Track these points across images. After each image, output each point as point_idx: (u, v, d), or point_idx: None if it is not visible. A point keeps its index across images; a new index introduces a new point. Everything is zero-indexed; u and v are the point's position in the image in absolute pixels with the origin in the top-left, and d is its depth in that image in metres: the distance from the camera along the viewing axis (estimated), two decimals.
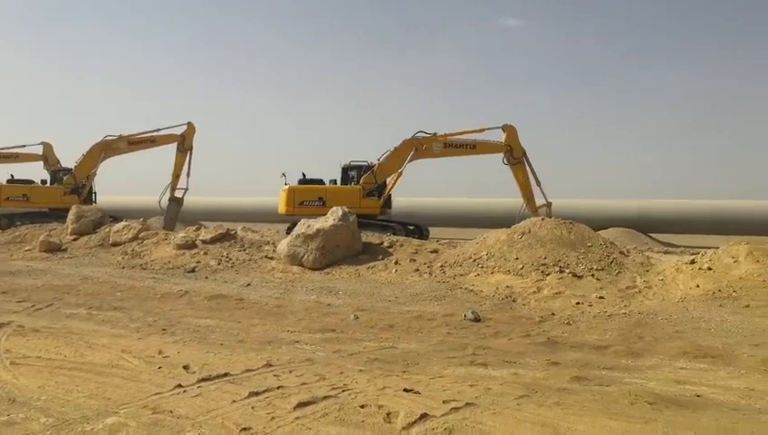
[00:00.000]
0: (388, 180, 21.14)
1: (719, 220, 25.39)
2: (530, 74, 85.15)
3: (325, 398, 5.11)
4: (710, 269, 10.44)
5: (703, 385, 5.87)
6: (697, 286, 10.03)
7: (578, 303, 9.73)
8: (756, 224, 24.13)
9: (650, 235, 25.75)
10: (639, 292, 10.33)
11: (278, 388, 5.35)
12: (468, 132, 20.84)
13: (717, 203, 27.16)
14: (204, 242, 15.29)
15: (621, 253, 12.47)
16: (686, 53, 76.27)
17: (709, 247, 11.96)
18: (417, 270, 12.42)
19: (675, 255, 15.40)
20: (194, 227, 17.17)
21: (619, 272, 11.32)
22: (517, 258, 11.98)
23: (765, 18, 70.85)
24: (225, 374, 5.69)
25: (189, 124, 24.77)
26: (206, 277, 12.70)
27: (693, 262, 11.04)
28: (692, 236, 25.67)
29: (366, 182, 20.80)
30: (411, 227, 20.94)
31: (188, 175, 24.68)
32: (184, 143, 24.66)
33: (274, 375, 5.81)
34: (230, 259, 14.10)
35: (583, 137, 75.70)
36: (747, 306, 8.98)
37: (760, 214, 25.41)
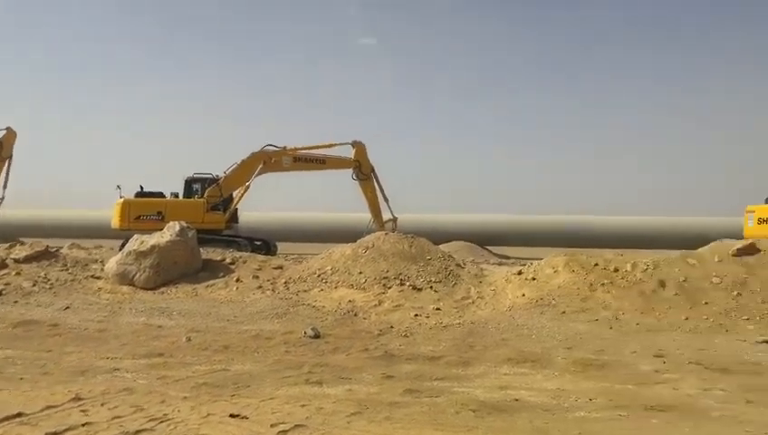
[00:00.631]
0: (235, 194, 20.43)
1: (550, 234, 28.05)
2: (381, 92, 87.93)
3: (138, 432, 4.63)
4: (534, 279, 11.33)
5: (522, 389, 6.25)
6: (523, 295, 10.82)
7: (416, 315, 10.02)
8: (579, 237, 26.96)
9: (487, 247, 27.60)
10: (473, 302, 10.91)
11: (83, 425, 4.75)
12: (318, 147, 20.88)
13: (550, 218, 30.05)
14: (17, 261, 13.52)
15: (458, 265, 13.12)
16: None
17: (538, 259, 12.96)
18: (260, 287, 12.04)
19: (507, 266, 16.57)
20: (6, 245, 15.16)
21: (455, 284, 11.89)
22: (361, 272, 12.10)
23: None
24: (18, 415, 4.94)
25: (9, 129, 22.08)
26: (16, 301, 11.21)
27: (520, 273, 11.92)
28: (530, 249, 27.82)
29: (210, 196, 19.91)
30: (258, 243, 20.40)
31: (5, 186, 21.97)
32: (1, 151, 21.95)
33: (82, 410, 5.17)
34: (48, 280, 12.61)
35: (435, 151, 79.57)
36: (563, 313, 9.84)
37: (585, 228, 28.49)
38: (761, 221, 17.81)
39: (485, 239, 28.15)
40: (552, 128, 77.89)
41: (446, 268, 12.54)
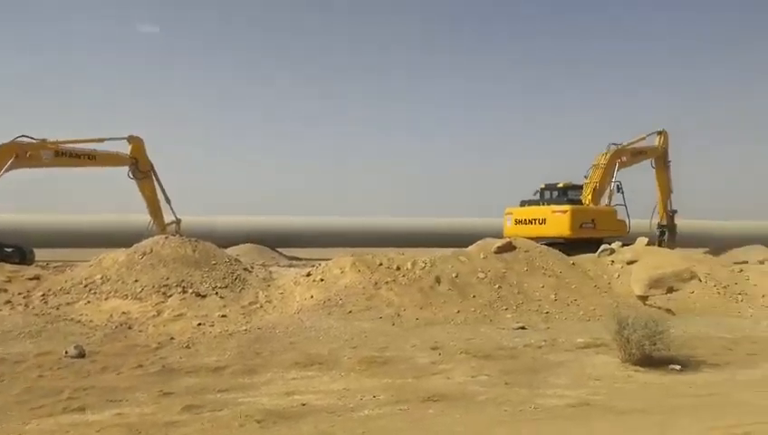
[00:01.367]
0: None
1: (337, 235, 28.76)
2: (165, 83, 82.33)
3: None
4: (322, 280, 11.44)
5: (309, 393, 6.19)
6: (312, 297, 10.85)
7: (200, 324, 9.42)
8: (365, 237, 28.11)
9: (278, 250, 27.39)
10: (261, 307, 10.63)
11: None
12: (87, 141, 18.62)
13: (340, 220, 30.79)
14: None
15: (246, 269, 12.72)
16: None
17: (328, 260, 13.02)
18: (9, 302, 10.28)
19: (297, 268, 16.55)
20: None
21: (242, 289, 11.48)
22: (137, 281, 11.04)
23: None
24: None
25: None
26: None
27: (309, 274, 11.95)
28: (321, 250, 28.04)
29: None
30: (9, 250, 17.48)
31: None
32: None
33: None
34: None
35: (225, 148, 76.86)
36: (350, 312, 10.08)
37: (370, 229, 29.73)
38: (517, 222, 20.41)
39: (277, 241, 27.90)
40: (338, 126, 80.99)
41: (232, 273, 12.05)
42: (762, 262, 18.52)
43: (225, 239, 23.03)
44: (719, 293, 11.70)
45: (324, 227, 29.95)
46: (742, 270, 13.35)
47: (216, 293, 10.98)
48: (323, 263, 12.52)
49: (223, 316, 9.88)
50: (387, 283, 11.13)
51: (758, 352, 8.26)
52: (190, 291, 10.76)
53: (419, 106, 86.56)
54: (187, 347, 8.22)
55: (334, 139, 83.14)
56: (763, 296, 11.70)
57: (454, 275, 11.46)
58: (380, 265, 11.71)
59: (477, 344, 8.41)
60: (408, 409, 5.68)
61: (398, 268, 11.62)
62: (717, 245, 27.55)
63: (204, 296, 10.74)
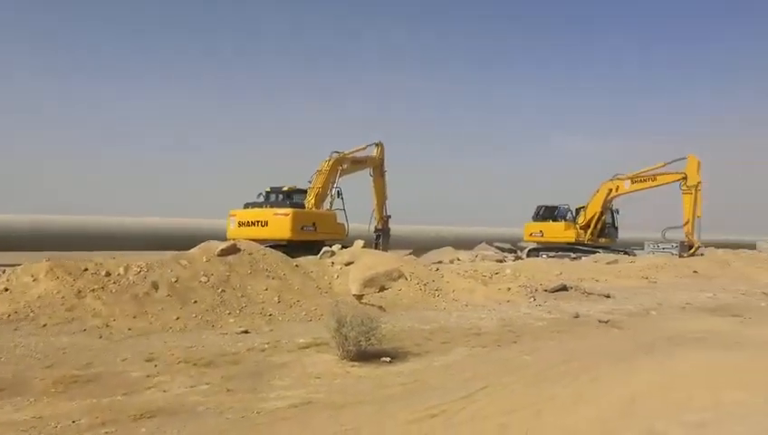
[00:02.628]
0: None
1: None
2: None
3: None
4: (7, 290, 9.58)
5: None
6: None
7: None
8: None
9: None
10: None
11: None
12: None
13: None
14: None
15: None
16: None
17: (16, 265, 10.93)
18: None
19: None
20: None
21: None
22: None
23: None
24: None
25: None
26: None
27: None
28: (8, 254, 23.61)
29: None
30: None
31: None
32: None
33: None
34: None
35: None
36: (44, 326, 8.63)
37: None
38: (241, 224, 20.18)
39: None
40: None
41: None
42: (452, 261, 21.63)
43: None
44: (421, 289, 13.22)
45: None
46: (438, 269, 15.36)
47: None
48: (9, 269, 10.52)
49: None
50: (93, 290, 9.84)
51: (450, 340, 9.49)
52: None
53: None
54: None
55: None
56: (454, 292, 13.61)
57: (173, 279, 10.71)
58: (86, 270, 10.31)
59: (198, 352, 7.95)
60: (115, 431, 5.02)
61: (108, 274, 10.38)
62: (419, 246, 31.35)
63: None
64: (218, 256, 11.95)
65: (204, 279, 11.01)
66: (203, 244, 12.70)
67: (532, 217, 30.70)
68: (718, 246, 32.90)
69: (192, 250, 12.35)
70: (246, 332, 9.33)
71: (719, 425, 5.65)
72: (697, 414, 5.93)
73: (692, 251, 26.60)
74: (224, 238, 15.52)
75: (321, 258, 14.40)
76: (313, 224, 20.31)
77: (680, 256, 25.95)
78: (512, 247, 33.26)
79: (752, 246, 32.46)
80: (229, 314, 10.24)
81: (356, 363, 7.60)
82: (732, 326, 11.77)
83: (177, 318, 9.64)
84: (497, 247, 32.49)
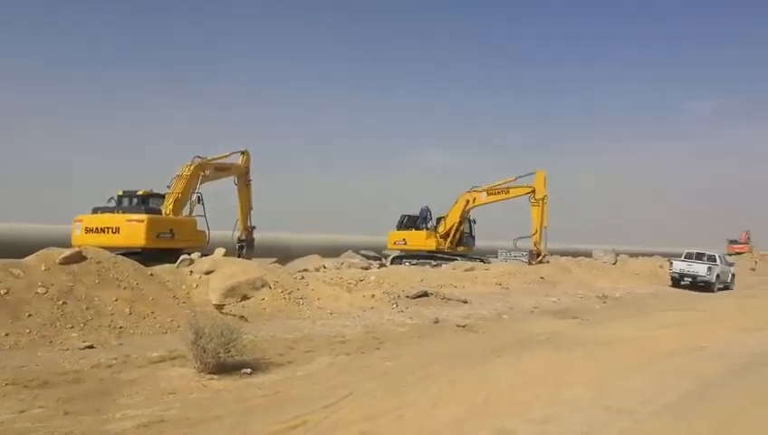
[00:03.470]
0: None
1: None
2: None
3: None
4: None
5: None
6: None
7: None
8: None
9: None
10: None
11: None
12: None
13: None
14: None
15: None
16: None
17: None
18: None
19: None
20: None
21: None
22: None
23: None
24: None
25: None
26: None
27: None
28: None
29: None
30: None
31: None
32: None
33: None
34: None
35: None
36: None
37: None
38: (88, 230, 18.52)
39: None
40: None
41: None
42: (317, 269, 21.54)
43: None
44: (285, 298, 12.98)
45: None
46: (303, 277, 15.20)
47: None
48: None
49: None
50: None
51: (313, 348, 9.40)
52: None
53: None
54: None
55: None
56: (319, 299, 13.53)
57: (3, 291, 9.51)
58: None
59: (31, 372, 7.11)
60: None
61: None
62: (284, 255, 30.90)
63: None
64: (60, 264, 10.81)
65: (41, 290, 9.90)
66: (41, 251, 11.42)
67: (396, 226, 31.55)
68: (561, 254, 36.01)
69: (28, 258, 11.07)
70: (91, 347, 8.54)
71: (559, 419, 6.13)
72: (542, 411, 6.39)
73: (539, 259, 28.85)
74: (68, 245, 14.10)
75: (178, 267, 13.60)
76: (171, 231, 19.17)
77: (529, 264, 28.02)
78: (377, 255, 33.91)
79: (589, 255, 35.95)
80: (71, 327, 9.29)
81: (215, 376, 7.24)
82: (572, 328, 12.91)
83: (7, 334, 8.56)
84: (363, 255, 32.96)
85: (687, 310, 17.91)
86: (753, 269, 43.23)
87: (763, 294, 26.18)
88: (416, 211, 31.53)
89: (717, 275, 25.95)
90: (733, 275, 28.68)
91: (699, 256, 27.55)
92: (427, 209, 31.33)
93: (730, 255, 42.55)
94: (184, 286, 12.37)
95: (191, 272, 13.18)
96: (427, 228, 30.71)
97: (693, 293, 24.47)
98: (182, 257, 14.17)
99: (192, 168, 20.87)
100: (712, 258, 27.18)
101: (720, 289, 26.17)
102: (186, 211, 20.81)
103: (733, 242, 67.62)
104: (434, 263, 27.73)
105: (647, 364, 9.00)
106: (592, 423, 5.99)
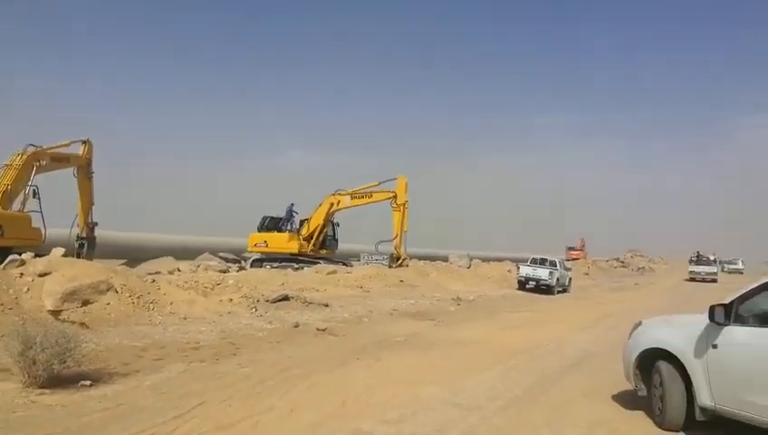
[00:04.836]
0: None
1: None
2: None
3: None
4: None
5: None
6: None
7: None
8: None
9: None
10: None
11: None
12: None
13: None
14: None
15: None
16: None
17: None
18: None
19: None
20: None
21: None
22: None
23: None
24: None
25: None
26: None
27: None
28: None
29: None
30: None
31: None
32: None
33: None
34: None
35: None
36: None
37: None
38: None
39: None
40: None
41: None
42: (171, 272, 20.34)
43: None
44: (133, 303, 12.05)
45: None
46: (154, 280, 14.22)
47: None
48: None
49: None
50: None
51: (164, 356, 8.83)
52: None
53: None
54: None
55: None
56: (171, 304, 12.75)
57: None
58: None
59: None
60: None
61: None
62: (134, 256, 28.82)
63: None
64: None
65: None
66: None
67: (258, 228, 30.77)
68: (420, 258, 37.37)
69: None
70: None
71: (414, 418, 6.29)
72: (398, 411, 6.51)
73: (399, 262, 29.70)
74: None
75: (5, 268, 12.06)
76: (0, 227, 17.07)
77: (390, 267, 28.73)
78: (236, 258, 32.81)
79: (445, 259, 37.70)
80: None
81: (46, 391, 6.50)
82: (428, 329, 13.41)
83: None
84: (221, 258, 31.72)
85: (532, 311, 19.40)
86: (587, 274, 48.20)
87: (595, 296, 29.18)
88: (279, 212, 31.00)
89: (557, 279, 28.47)
90: (570, 278, 31.67)
91: (542, 262, 30.07)
92: (292, 206, 30.96)
93: (568, 260, 47.00)
94: (11, 290, 11.01)
95: (21, 274, 11.77)
96: (290, 230, 30.33)
97: (536, 295, 26.58)
98: (10, 257, 12.61)
99: (25, 157, 18.74)
100: (553, 264, 29.79)
101: (559, 292, 28.75)
102: (17, 206, 18.64)
103: (571, 249, 74.85)
104: (296, 266, 27.43)
105: (495, 363, 9.57)
106: (445, 421, 6.22)
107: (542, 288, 27.80)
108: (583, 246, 76.90)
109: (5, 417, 5.65)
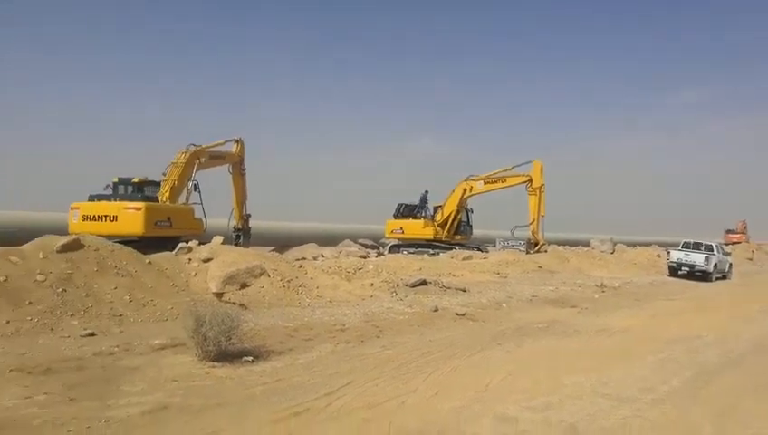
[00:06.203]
0: None
1: None
2: None
3: None
4: None
5: None
6: None
7: None
8: None
9: None
10: None
11: None
12: None
13: None
14: None
15: None
16: None
17: None
18: None
19: None
20: None
21: None
22: None
23: None
24: None
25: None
26: None
27: None
28: None
29: None
30: None
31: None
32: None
33: None
34: None
35: None
36: None
37: None
38: (85, 218, 18.45)
39: None
40: None
41: None
42: (315, 258, 21.56)
43: None
44: (284, 286, 12.98)
45: None
46: (302, 266, 15.19)
47: None
48: None
49: None
50: None
51: (313, 336, 9.42)
52: None
53: None
54: None
55: None
56: (318, 288, 13.54)
57: (2, 278, 9.48)
58: None
59: (34, 359, 7.11)
60: None
61: None
62: (282, 243, 30.86)
63: None
64: (58, 252, 10.79)
65: (41, 278, 9.88)
66: (38, 239, 11.39)
67: (394, 215, 31.53)
68: (559, 243, 36.12)
69: (25, 246, 11.03)
70: (93, 334, 8.53)
71: (561, 406, 6.16)
72: (543, 398, 6.42)
73: (537, 248, 28.93)
74: (65, 233, 14.04)
75: (176, 255, 13.57)
76: (168, 219, 19.13)
77: (527, 253, 28.10)
78: (374, 244, 33.91)
79: (587, 244, 36.02)
80: (72, 315, 9.28)
81: (216, 364, 7.26)
82: (571, 316, 12.96)
83: (8, 322, 8.55)
84: (360, 244, 32.96)
85: (685, 299, 18.00)
86: (751, 259, 43.46)
87: (760, 283, 26.33)
88: (414, 200, 31.47)
89: (715, 265, 26.05)
90: (730, 264, 28.82)
91: (697, 246, 27.66)
92: (426, 194, 31.30)
93: (727, 244, 42.76)
94: (183, 274, 12.36)
95: (189, 260, 13.16)
96: (425, 217, 30.70)
97: (690, 282, 24.58)
98: (180, 245, 14.14)
99: (187, 155, 20.81)
100: (709, 248, 27.28)
101: (718, 278, 26.32)
102: (182, 199, 20.76)
103: (729, 231, 67.86)
104: (431, 252, 27.77)
105: (646, 352, 9.05)
106: (593, 411, 6.03)
107: (697, 274, 25.61)
108: (745, 228, 69.30)
109: (187, 385, 6.41)
